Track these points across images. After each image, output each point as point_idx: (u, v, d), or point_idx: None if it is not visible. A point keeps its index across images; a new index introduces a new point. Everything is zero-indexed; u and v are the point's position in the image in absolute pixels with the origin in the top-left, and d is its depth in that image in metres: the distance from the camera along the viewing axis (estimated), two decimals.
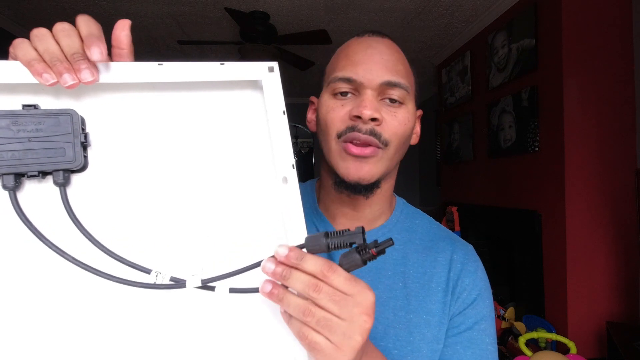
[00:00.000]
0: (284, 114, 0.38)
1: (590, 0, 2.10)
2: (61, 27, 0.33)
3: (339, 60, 0.55)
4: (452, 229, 2.82)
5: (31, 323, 0.37)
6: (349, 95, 0.53)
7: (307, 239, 0.36)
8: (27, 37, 0.34)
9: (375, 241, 0.36)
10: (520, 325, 2.25)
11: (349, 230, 0.35)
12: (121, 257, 0.35)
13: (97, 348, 0.38)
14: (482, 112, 2.87)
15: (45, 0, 2.50)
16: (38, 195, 0.36)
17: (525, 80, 2.37)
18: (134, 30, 0.37)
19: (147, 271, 0.36)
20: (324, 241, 0.35)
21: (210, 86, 0.39)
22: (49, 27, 0.34)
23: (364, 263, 0.35)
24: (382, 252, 0.35)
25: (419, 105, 0.60)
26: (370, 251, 0.35)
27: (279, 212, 0.40)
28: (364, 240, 0.35)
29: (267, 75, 0.37)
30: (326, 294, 0.34)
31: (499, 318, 2.35)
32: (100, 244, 0.35)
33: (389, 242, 0.35)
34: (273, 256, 0.36)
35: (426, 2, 2.58)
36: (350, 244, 0.35)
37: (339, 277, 0.34)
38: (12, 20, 2.79)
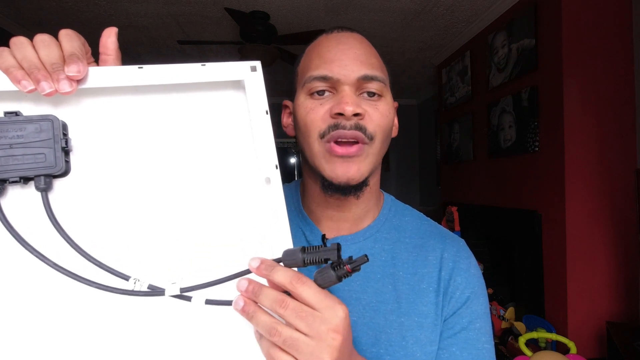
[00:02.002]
0: (267, 113, 0.37)
1: (590, 0, 2.10)
2: (41, 38, 0.34)
3: (311, 59, 0.54)
4: (452, 229, 2.82)
5: (11, 326, 0.37)
6: (327, 93, 0.52)
7: (284, 253, 0.36)
8: (25, 36, 0.34)
9: (350, 257, 0.36)
10: (520, 325, 2.25)
11: (324, 246, 0.36)
12: (101, 263, 0.36)
13: (76, 352, 0.38)
14: (482, 112, 2.87)
15: (45, 0, 2.51)
16: (21, 200, 0.36)
17: (525, 80, 2.37)
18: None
19: (126, 278, 0.36)
20: (300, 256, 0.35)
21: (192, 88, 0.38)
22: (50, 27, 0.34)
23: (339, 280, 0.35)
24: (357, 269, 0.35)
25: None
26: (345, 267, 0.35)
27: (262, 213, 0.39)
28: (339, 257, 0.35)
29: (249, 75, 0.37)
30: (292, 310, 0.33)
31: (499, 318, 2.35)
32: (80, 249, 0.35)
33: (364, 259, 0.35)
34: (247, 275, 0.36)
35: (426, 2, 2.58)
36: (326, 260, 0.35)
37: (309, 289, 0.34)
38: (12, 20, 2.79)
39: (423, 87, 4.75)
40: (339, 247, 0.35)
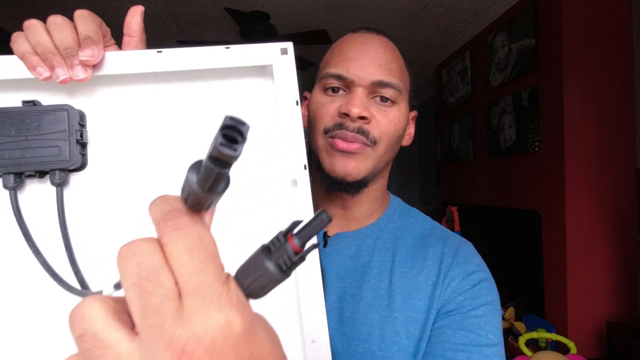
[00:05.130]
0: (298, 104, 0.33)
1: (590, 1, 2.10)
2: (54, 20, 0.32)
3: (332, 56, 0.55)
4: (452, 229, 2.82)
5: (30, 319, 0.37)
6: (340, 91, 0.52)
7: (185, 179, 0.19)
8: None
9: (294, 223, 0.19)
10: (520, 325, 2.25)
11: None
12: (78, 271, 0.33)
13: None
14: (482, 112, 2.87)
15: (45, 0, 2.50)
16: (39, 194, 0.35)
17: (525, 80, 2.37)
18: None
19: (96, 289, 0.33)
20: (193, 178, 0.17)
21: (214, 75, 0.35)
22: None
23: (284, 274, 0.18)
24: (314, 245, 0.19)
25: (415, 107, 0.58)
26: (287, 245, 0.18)
27: (286, 219, 0.36)
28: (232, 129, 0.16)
29: (279, 58, 0.32)
30: (133, 266, 0.17)
31: None
32: (71, 253, 0.33)
33: (322, 220, 0.18)
34: None
35: (426, 2, 2.57)
36: (216, 160, 0.16)
37: (182, 241, 0.17)
38: (12, 20, 2.79)
39: (423, 87, 4.75)
40: (291, 229, 0.18)
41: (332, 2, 2.58)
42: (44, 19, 0.33)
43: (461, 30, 3.05)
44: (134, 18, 0.36)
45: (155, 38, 3.22)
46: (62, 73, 0.30)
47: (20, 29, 0.33)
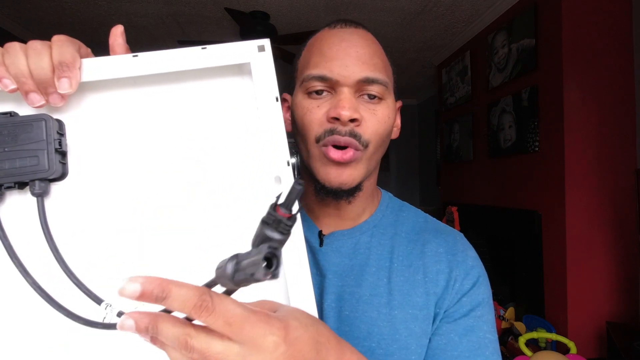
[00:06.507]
0: (277, 100, 0.33)
1: (590, 1, 2.10)
2: (33, 46, 0.33)
3: (311, 55, 0.52)
4: None
5: (18, 329, 0.35)
6: (324, 93, 0.50)
7: (217, 269, 0.25)
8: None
9: (278, 196, 0.25)
10: (520, 325, 2.25)
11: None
12: (79, 281, 0.32)
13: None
14: (482, 112, 2.87)
15: (45, 0, 2.51)
16: (19, 206, 0.34)
17: (525, 80, 2.37)
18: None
19: (99, 301, 0.32)
20: (229, 268, 0.23)
21: (192, 76, 0.35)
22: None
23: (272, 273, 0.22)
24: (293, 216, 0.24)
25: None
26: (281, 217, 0.24)
27: None
28: (271, 261, 0.22)
29: (256, 56, 0.33)
30: (199, 353, 0.24)
31: (499, 318, 2.35)
32: (64, 263, 0.33)
33: (296, 189, 0.24)
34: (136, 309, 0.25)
35: (426, 2, 2.58)
36: (252, 275, 0.22)
37: (216, 320, 0.24)
38: (11, 19, 2.79)
39: (423, 87, 4.75)
40: (271, 252, 0.22)
41: (332, 2, 2.58)
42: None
43: (461, 30, 3.04)
44: (116, 40, 0.37)
45: (156, 38, 3.22)
46: (37, 99, 0.32)
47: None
